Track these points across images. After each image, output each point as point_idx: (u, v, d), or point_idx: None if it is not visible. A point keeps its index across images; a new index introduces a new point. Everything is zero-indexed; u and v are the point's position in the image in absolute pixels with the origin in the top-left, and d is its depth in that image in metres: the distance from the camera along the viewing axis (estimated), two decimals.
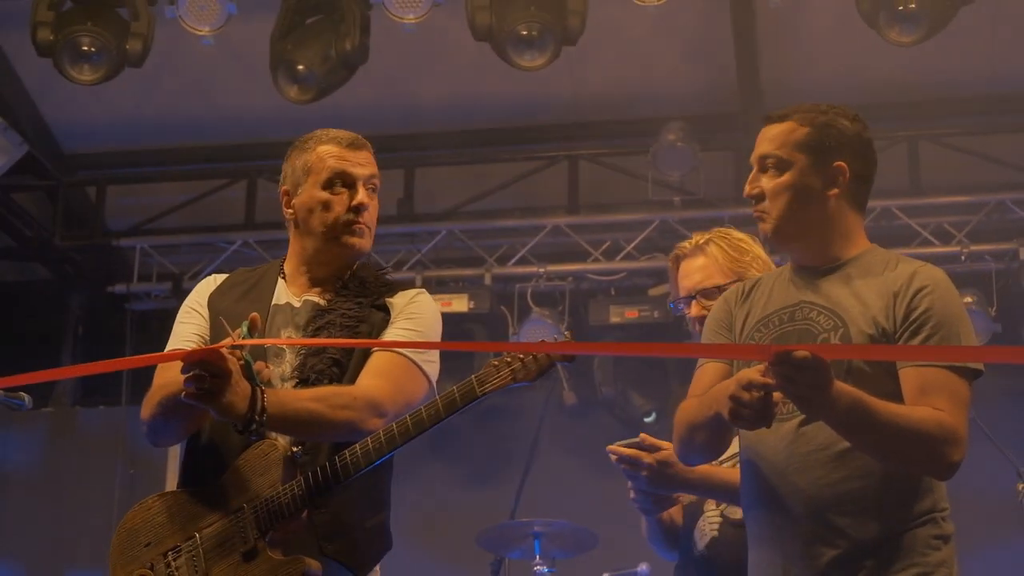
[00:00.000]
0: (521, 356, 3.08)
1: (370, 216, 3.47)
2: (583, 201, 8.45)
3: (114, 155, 8.84)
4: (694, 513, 3.74)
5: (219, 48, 7.24)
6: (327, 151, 3.47)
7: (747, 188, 3.15)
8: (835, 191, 3.07)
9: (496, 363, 3.10)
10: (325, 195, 3.44)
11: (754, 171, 3.14)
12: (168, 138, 8.67)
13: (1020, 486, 6.33)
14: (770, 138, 3.13)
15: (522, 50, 6.65)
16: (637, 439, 3.56)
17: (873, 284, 3.02)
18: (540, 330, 8.06)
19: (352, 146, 3.49)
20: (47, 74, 7.15)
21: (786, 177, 3.08)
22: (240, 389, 3.03)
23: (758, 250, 3.88)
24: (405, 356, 3.33)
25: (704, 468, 3.57)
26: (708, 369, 3.17)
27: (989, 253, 8.05)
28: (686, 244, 3.92)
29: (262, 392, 3.08)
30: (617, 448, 3.56)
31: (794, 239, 3.13)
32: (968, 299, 7.84)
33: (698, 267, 3.85)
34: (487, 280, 8.32)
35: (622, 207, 8.45)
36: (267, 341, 3.26)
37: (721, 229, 3.97)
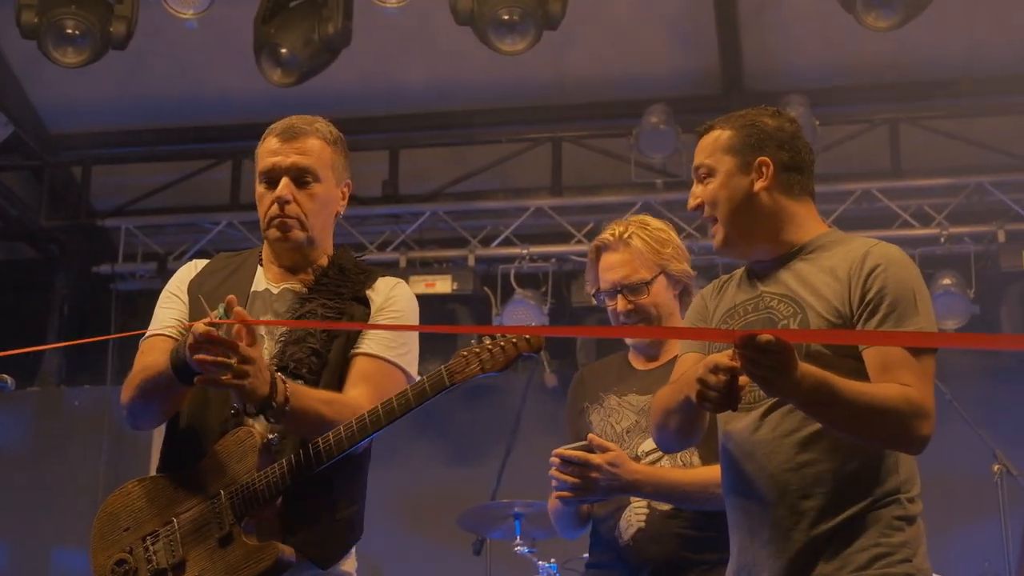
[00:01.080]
0: (490, 347, 3.12)
1: (302, 207, 3.43)
2: (566, 183, 8.50)
3: (100, 135, 8.87)
4: (618, 503, 3.73)
5: (203, 30, 7.27)
6: (265, 146, 3.50)
7: (689, 202, 3.24)
8: (762, 184, 3.12)
9: (465, 353, 3.14)
10: (261, 190, 3.48)
11: (693, 184, 3.22)
12: (153, 119, 8.70)
13: (995, 467, 6.38)
14: (700, 149, 3.22)
15: (503, 34, 6.68)
16: (584, 442, 3.56)
17: (827, 267, 3.08)
18: (523, 311, 8.12)
19: (284, 135, 3.47)
20: (33, 55, 7.16)
21: (716, 181, 3.16)
22: (264, 374, 3.08)
23: (677, 239, 3.92)
24: (387, 361, 3.37)
25: (648, 468, 3.63)
26: (686, 358, 3.23)
27: (968, 235, 8.13)
28: (607, 235, 3.90)
29: (283, 381, 3.13)
30: (564, 451, 3.55)
31: (742, 244, 3.19)
32: (947, 280, 7.91)
33: (621, 261, 3.85)
34: (470, 261, 8.38)
35: (605, 189, 8.51)
36: (244, 322, 3.27)
37: (638, 218, 3.97)
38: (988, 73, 8.07)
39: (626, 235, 3.86)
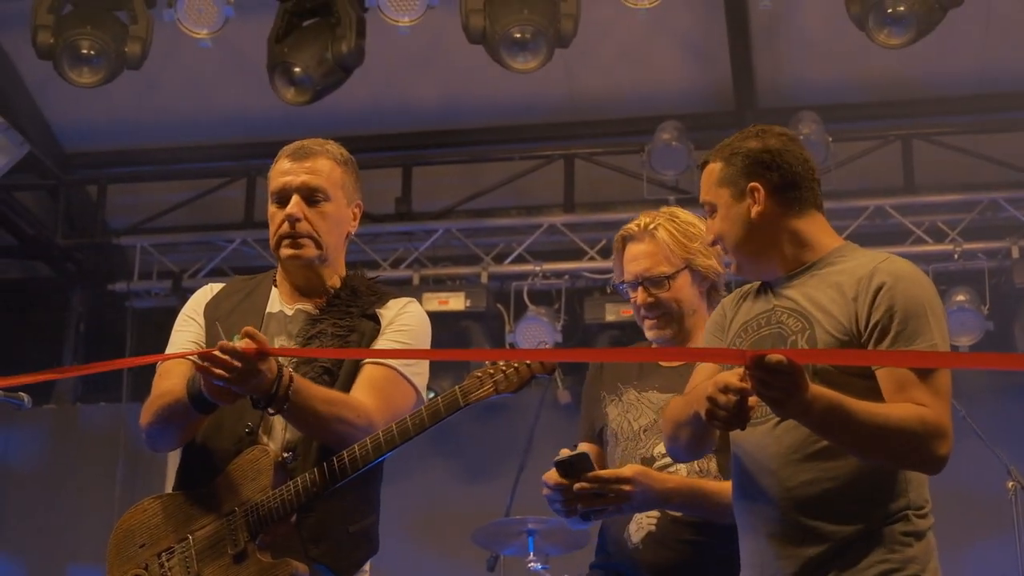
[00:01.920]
0: (503, 368, 3.14)
1: (313, 226, 3.48)
2: (579, 200, 8.51)
3: (115, 154, 8.93)
4: None
5: (218, 49, 7.31)
6: (277, 166, 3.55)
7: (706, 238, 3.30)
8: (757, 208, 3.13)
9: (479, 374, 3.18)
10: (273, 209, 3.53)
11: (707, 220, 3.26)
12: (168, 137, 8.74)
13: (1010, 484, 6.36)
14: (701, 185, 3.25)
15: (515, 53, 6.69)
16: (582, 451, 3.45)
17: (834, 283, 3.08)
18: (536, 328, 8.13)
19: (295, 156, 3.54)
20: (48, 74, 7.21)
21: (719, 215, 3.19)
22: (271, 372, 3.12)
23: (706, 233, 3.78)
24: (395, 370, 3.40)
25: (680, 479, 3.55)
26: (702, 369, 3.24)
27: (982, 251, 8.10)
28: (633, 225, 3.78)
29: (291, 377, 3.17)
30: (600, 473, 3.42)
31: (752, 267, 3.22)
32: (961, 297, 7.91)
33: (645, 253, 3.73)
34: (484, 278, 8.38)
35: (617, 206, 8.51)
36: (260, 351, 3.26)
37: (668, 210, 3.85)
38: (1001, 89, 8.07)
39: (652, 226, 3.75)
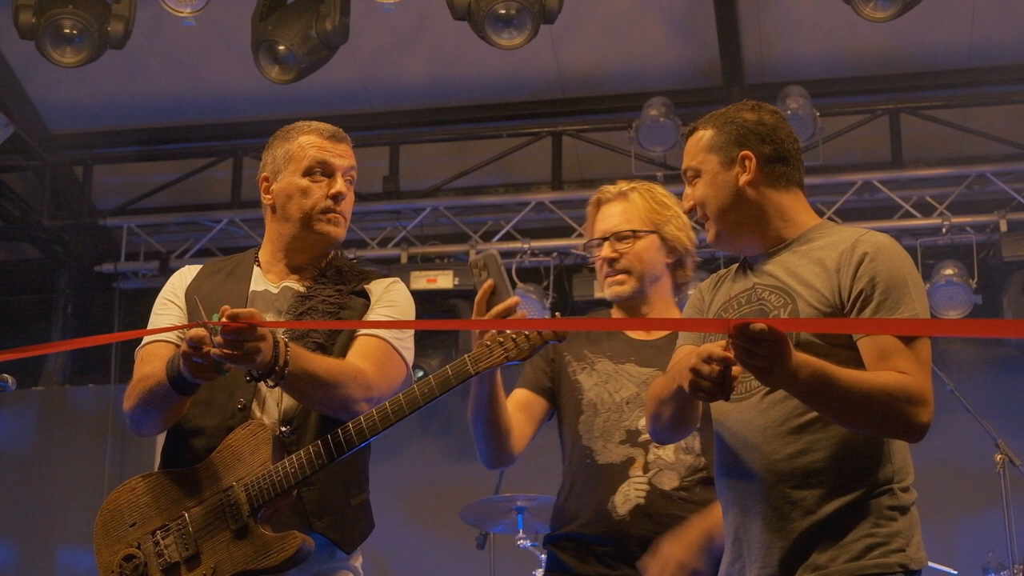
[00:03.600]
0: (513, 335, 3.12)
1: (346, 206, 3.54)
2: (567, 177, 8.49)
3: (101, 135, 8.88)
4: (614, 476, 3.61)
5: (203, 28, 7.28)
6: (309, 141, 3.54)
7: (684, 204, 3.28)
8: (746, 178, 3.14)
9: (488, 343, 3.15)
10: (305, 182, 3.51)
11: (686, 187, 3.24)
12: (154, 118, 8.71)
13: (998, 456, 6.37)
14: (686, 152, 3.24)
15: (500, 29, 6.67)
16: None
17: (816, 258, 3.08)
18: (525, 306, 8.09)
19: (333, 138, 3.56)
20: (33, 54, 7.17)
21: (702, 181, 3.19)
22: (270, 343, 3.11)
23: (679, 209, 3.79)
24: (387, 341, 3.39)
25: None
26: (682, 349, 3.24)
27: (970, 225, 8.11)
28: (610, 189, 3.83)
29: (286, 345, 3.15)
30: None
31: (732, 238, 3.21)
32: (949, 271, 7.90)
33: (617, 212, 3.77)
34: (472, 256, 8.36)
35: (605, 183, 8.40)
36: (250, 323, 3.24)
37: (646, 183, 3.89)
38: (989, 62, 8.06)
39: (627, 190, 3.81)
